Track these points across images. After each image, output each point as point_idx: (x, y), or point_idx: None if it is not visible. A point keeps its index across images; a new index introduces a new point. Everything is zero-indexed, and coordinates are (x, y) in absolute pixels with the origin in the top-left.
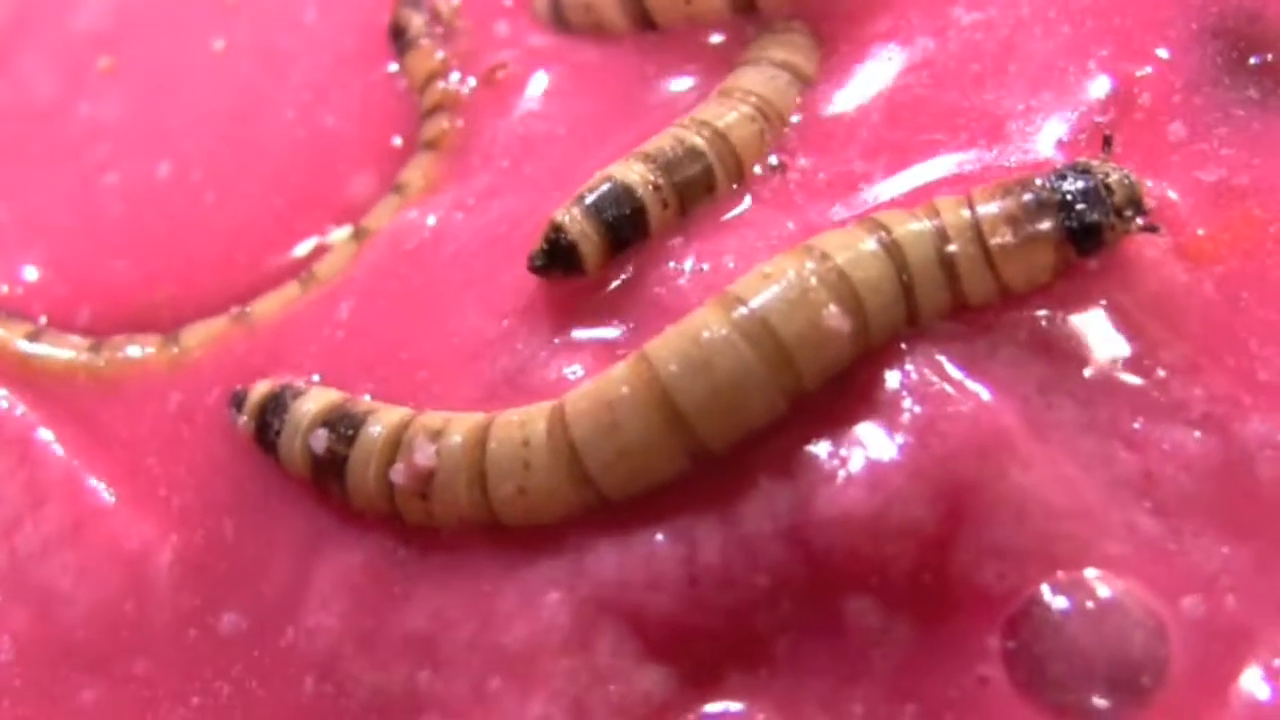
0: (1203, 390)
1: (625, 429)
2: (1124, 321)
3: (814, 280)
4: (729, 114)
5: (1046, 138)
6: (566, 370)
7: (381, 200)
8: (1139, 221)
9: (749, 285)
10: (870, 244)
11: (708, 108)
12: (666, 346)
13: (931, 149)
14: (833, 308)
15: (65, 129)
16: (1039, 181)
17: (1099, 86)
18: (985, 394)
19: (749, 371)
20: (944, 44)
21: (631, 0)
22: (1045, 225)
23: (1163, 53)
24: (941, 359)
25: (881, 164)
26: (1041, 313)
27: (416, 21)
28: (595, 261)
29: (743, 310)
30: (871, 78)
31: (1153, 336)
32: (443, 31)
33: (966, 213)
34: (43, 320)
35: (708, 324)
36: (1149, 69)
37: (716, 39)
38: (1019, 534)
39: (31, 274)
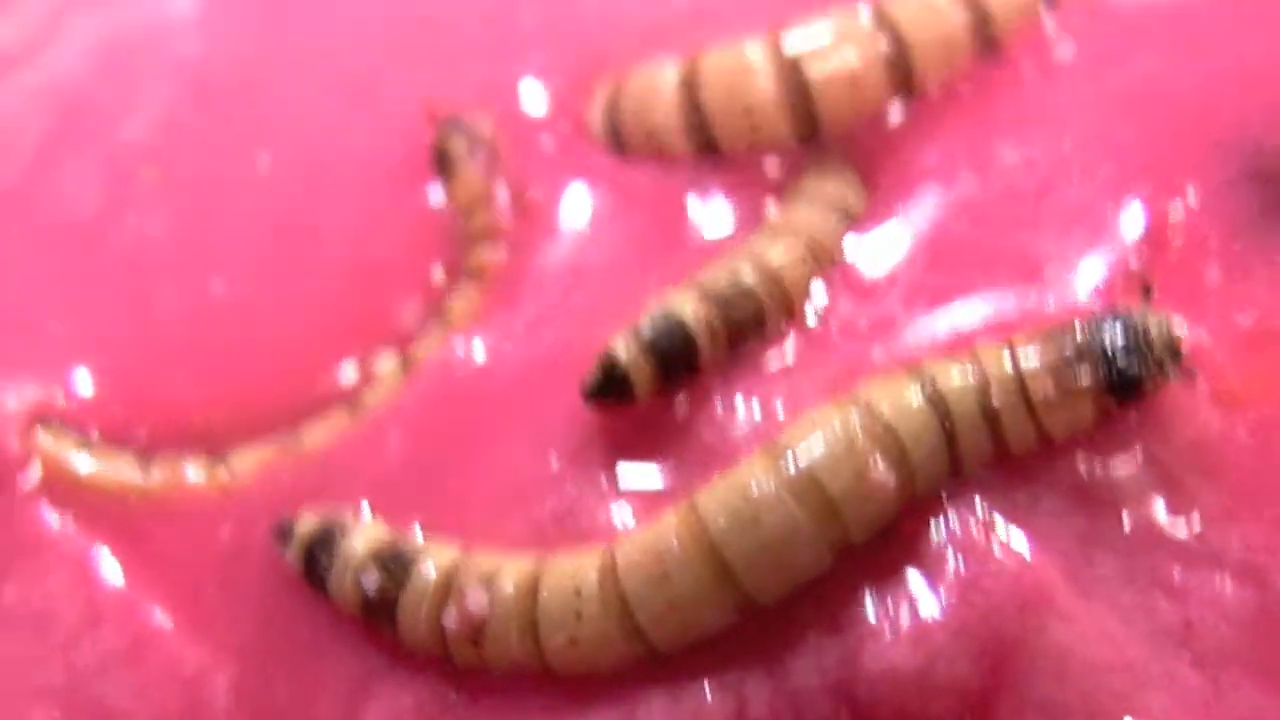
0: (1240, 539)
1: (675, 581)
2: (1161, 470)
3: (860, 434)
4: (782, 253)
5: (1083, 281)
6: (615, 513)
7: (428, 329)
8: (1177, 371)
9: (796, 437)
10: (915, 396)
11: (760, 242)
12: (715, 499)
13: (971, 291)
14: (879, 462)
15: (113, 241)
16: (1079, 331)
17: (1135, 228)
18: (1027, 548)
19: (797, 527)
20: (986, 183)
21: (697, 128)
22: (1086, 376)
23: (1200, 195)
24: (983, 511)
25: (921, 307)
26: (1080, 462)
27: (459, 145)
28: (646, 391)
29: (790, 464)
30: (913, 217)
31: (1190, 485)
32: (486, 155)
33: (1009, 363)
34: (94, 434)
35: (756, 477)
36: (1185, 211)
37: (771, 164)
38: (1061, 689)
39: (86, 387)
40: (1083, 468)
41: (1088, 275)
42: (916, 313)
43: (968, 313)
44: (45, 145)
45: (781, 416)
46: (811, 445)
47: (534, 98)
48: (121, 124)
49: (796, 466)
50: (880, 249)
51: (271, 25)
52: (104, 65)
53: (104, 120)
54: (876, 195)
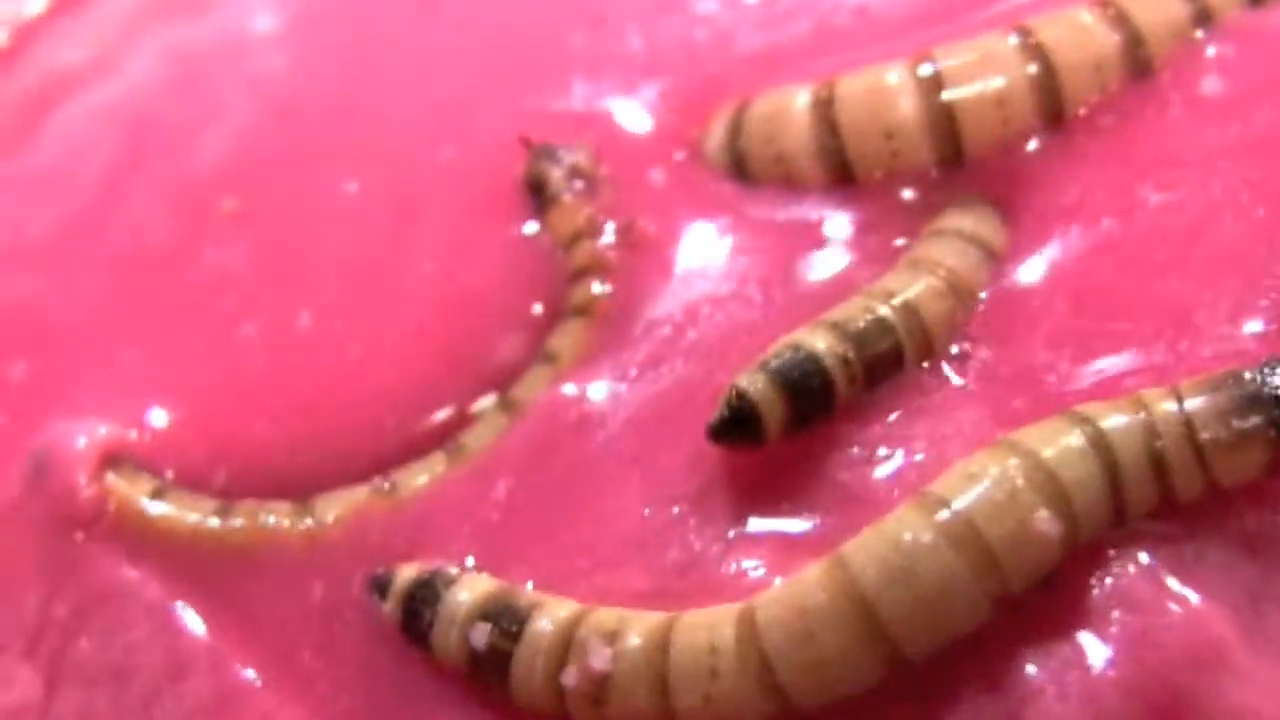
0: None
1: (820, 638)
2: None
3: (1021, 480)
4: (920, 287)
5: (1237, 328)
6: (745, 565)
7: (531, 369)
8: None
9: (952, 485)
10: (1077, 439)
11: (898, 277)
12: (865, 551)
13: (1117, 338)
14: (1043, 511)
15: (191, 276)
16: (1249, 375)
17: None
18: (1197, 602)
19: (955, 578)
20: (1130, 225)
21: (832, 151)
22: (1258, 422)
23: None
24: (1150, 562)
25: (1066, 353)
26: (1247, 511)
27: (555, 175)
28: (776, 430)
29: (947, 513)
30: (1055, 258)
31: None
32: (585, 185)
33: (1175, 407)
34: (169, 475)
35: (909, 527)
36: None
37: (907, 195)
38: None
39: (163, 425)
40: (1250, 518)
41: (1240, 322)
42: (1060, 359)
43: (1114, 359)
44: (115, 169)
45: (921, 459)
46: (969, 492)
47: (642, 123)
48: (197, 147)
49: (954, 514)
50: (1021, 289)
51: (360, 43)
52: (179, 82)
53: (178, 142)
54: (1016, 232)
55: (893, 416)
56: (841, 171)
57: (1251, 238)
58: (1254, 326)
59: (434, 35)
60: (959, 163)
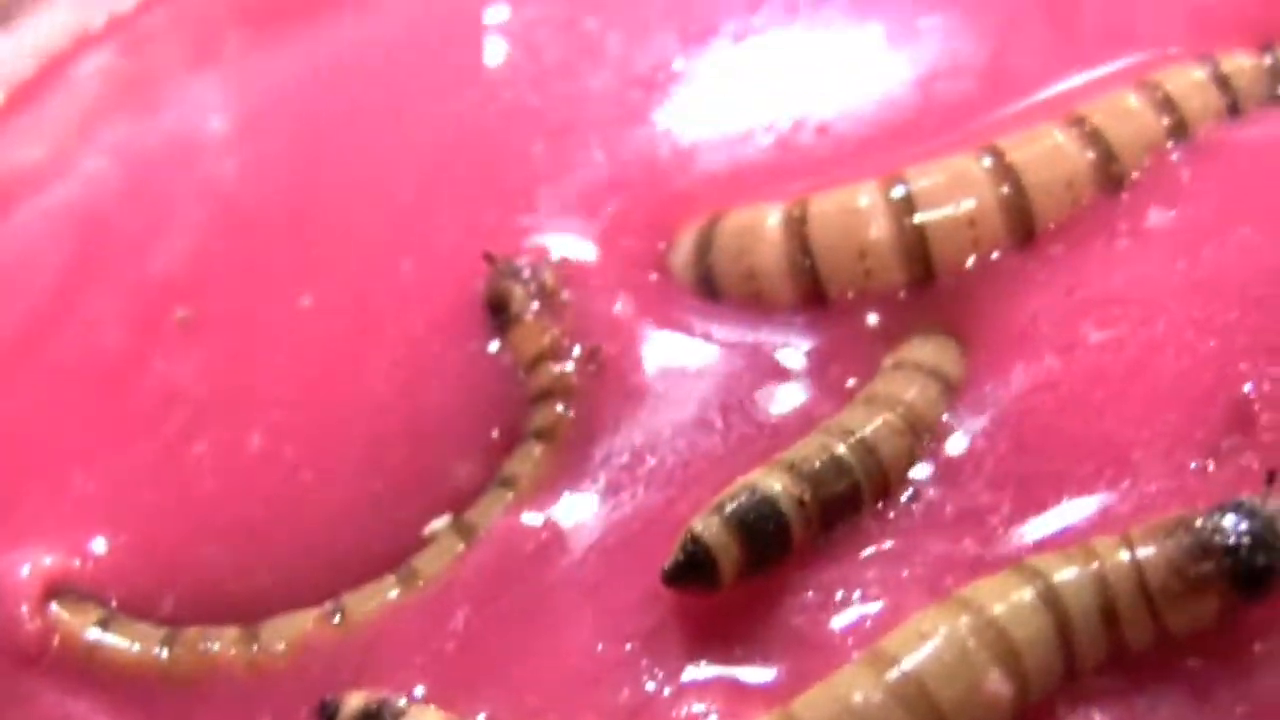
0: None
1: None
2: (1276, 666)
3: (972, 641)
4: (878, 424)
5: (1178, 466)
6: (696, 710)
7: (488, 493)
8: None
9: (903, 643)
10: (1028, 595)
11: (855, 414)
12: (814, 709)
13: (1059, 479)
14: (994, 671)
15: (140, 387)
16: (1199, 523)
17: (1227, 409)
18: None
19: None
20: (1070, 364)
21: (804, 269)
22: (1209, 570)
23: None
24: (1100, 717)
25: (1009, 495)
26: (1198, 660)
27: (519, 294)
28: (731, 575)
29: (897, 672)
30: (999, 396)
31: None
32: (548, 305)
33: (1127, 556)
34: (115, 603)
35: (859, 686)
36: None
37: (873, 321)
38: None
39: (109, 550)
40: (1200, 667)
41: (1181, 460)
42: (1003, 501)
43: (1058, 502)
44: (66, 275)
45: (874, 605)
46: (919, 651)
47: (606, 240)
48: (149, 253)
49: (904, 674)
50: (967, 425)
51: (315, 150)
52: (131, 186)
53: (130, 247)
54: (973, 363)
55: (847, 559)
56: (813, 289)
57: (1187, 375)
58: (1192, 464)
59: (389, 142)
60: (929, 281)
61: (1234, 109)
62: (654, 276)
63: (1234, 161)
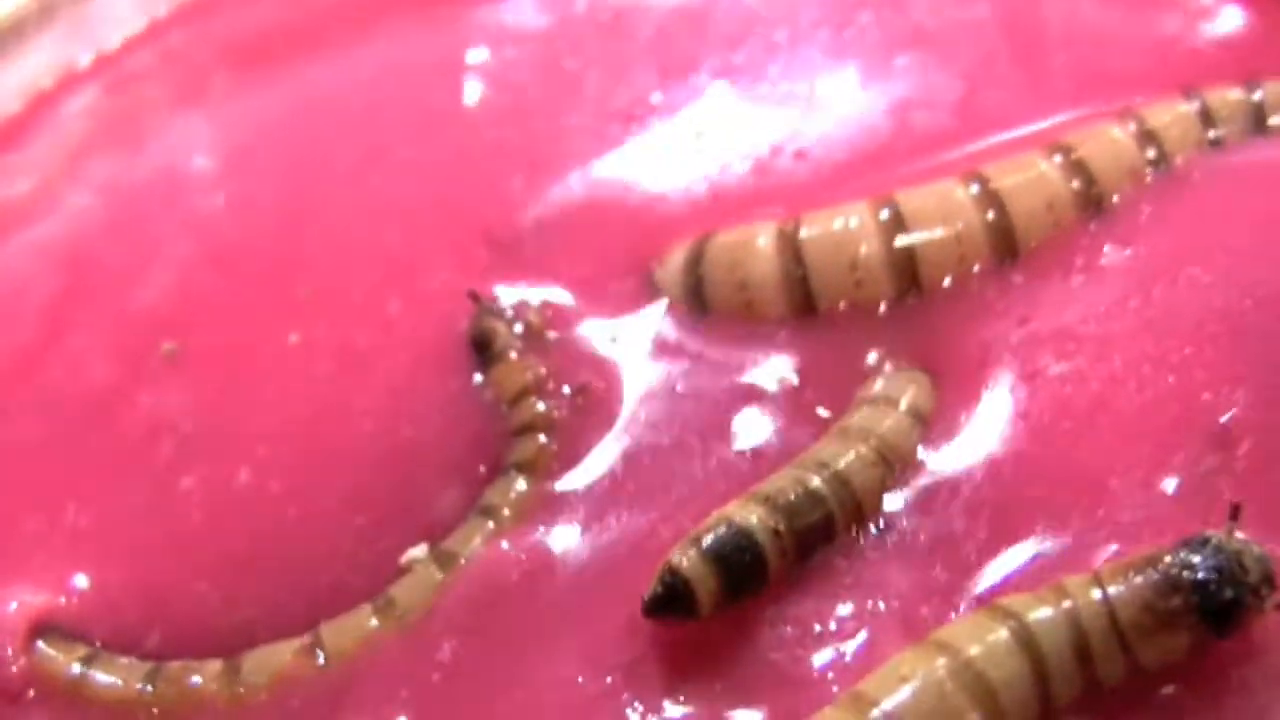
0: None
1: None
2: (1250, 699)
3: (950, 684)
4: (850, 457)
5: (1152, 495)
6: None
7: (467, 523)
8: (1272, 599)
9: (882, 686)
10: (1003, 635)
11: (829, 447)
12: None
13: (1033, 510)
14: (972, 715)
15: (127, 420)
16: (1169, 559)
17: (1199, 438)
18: None
19: None
20: (1034, 395)
21: (797, 280)
22: (1178, 605)
23: (1260, 400)
24: None
25: (983, 524)
26: (1168, 691)
27: (503, 331)
28: (709, 606)
29: (878, 714)
30: (972, 425)
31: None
32: (533, 343)
33: (1098, 594)
34: (99, 641)
35: None
36: (1249, 415)
37: (857, 340)
38: None
39: (95, 587)
40: (1171, 701)
41: (1154, 489)
42: (978, 529)
43: (1031, 531)
44: (53, 310)
45: (851, 638)
46: (898, 694)
47: (590, 275)
48: (136, 286)
49: (885, 717)
50: (940, 454)
51: (301, 187)
52: (117, 221)
53: (117, 280)
54: (944, 393)
55: (823, 592)
56: (804, 301)
57: (1156, 404)
58: (1166, 492)
59: (375, 182)
60: (916, 288)
61: (1215, 142)
62: (639, 307)
63: (1205, 191)
